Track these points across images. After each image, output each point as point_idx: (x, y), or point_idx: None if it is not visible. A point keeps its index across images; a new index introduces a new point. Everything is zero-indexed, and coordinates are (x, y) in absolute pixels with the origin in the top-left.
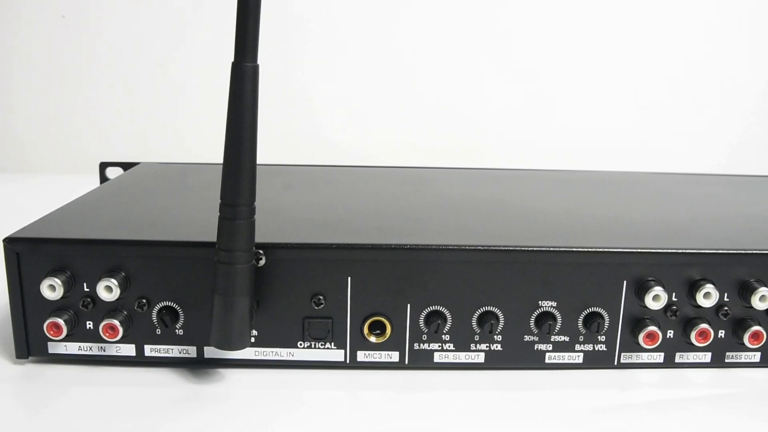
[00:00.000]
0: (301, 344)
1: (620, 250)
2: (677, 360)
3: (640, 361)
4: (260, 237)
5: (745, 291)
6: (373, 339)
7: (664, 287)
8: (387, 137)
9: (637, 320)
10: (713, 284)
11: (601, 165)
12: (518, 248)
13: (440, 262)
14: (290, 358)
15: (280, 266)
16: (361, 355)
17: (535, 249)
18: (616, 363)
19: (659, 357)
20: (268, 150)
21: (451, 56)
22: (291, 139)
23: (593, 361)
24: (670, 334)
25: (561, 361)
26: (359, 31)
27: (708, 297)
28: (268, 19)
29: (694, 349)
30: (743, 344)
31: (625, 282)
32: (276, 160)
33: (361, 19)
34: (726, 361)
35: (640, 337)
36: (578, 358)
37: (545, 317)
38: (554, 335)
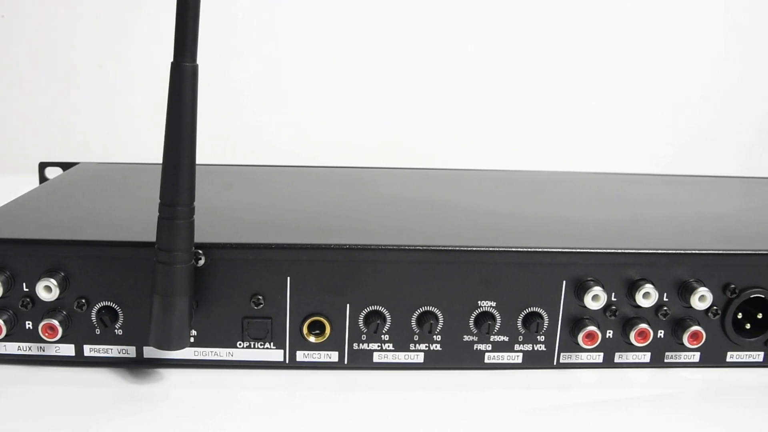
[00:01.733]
0: (240, 344)
1: (559, 250)
2: (617, 360)
3: (579, 361)
4: (199, 237)
5: (685, 291)
6: (312, 339)
7: (603, 287)
8: (326, 137)
9: (577, 320)
10: (652, 284)
11: (541, 165)
12: (457, 248)
13: (379, 262)
14: (229, 358)
15: (220, 266)
16: (301, 355)
17: (474, 249)
18: (555, 363)
19: (599, 357)
20: (207, 150)
21: (392, 54)
22: (230, 139)
23: (532, 361)
24: (610, 334)
25: (500, 361)
26: (298, 29)
27: (647, 297)
28: (208, 18)
29: (633, 349)
30: (682, 344)
31: (564, 282)
32: (216, 160)
33: (300, 16)
34: (665, 361)
35: (580, 337)
36: (517, 358)
37: (484, 317)
38: (493, 335)
